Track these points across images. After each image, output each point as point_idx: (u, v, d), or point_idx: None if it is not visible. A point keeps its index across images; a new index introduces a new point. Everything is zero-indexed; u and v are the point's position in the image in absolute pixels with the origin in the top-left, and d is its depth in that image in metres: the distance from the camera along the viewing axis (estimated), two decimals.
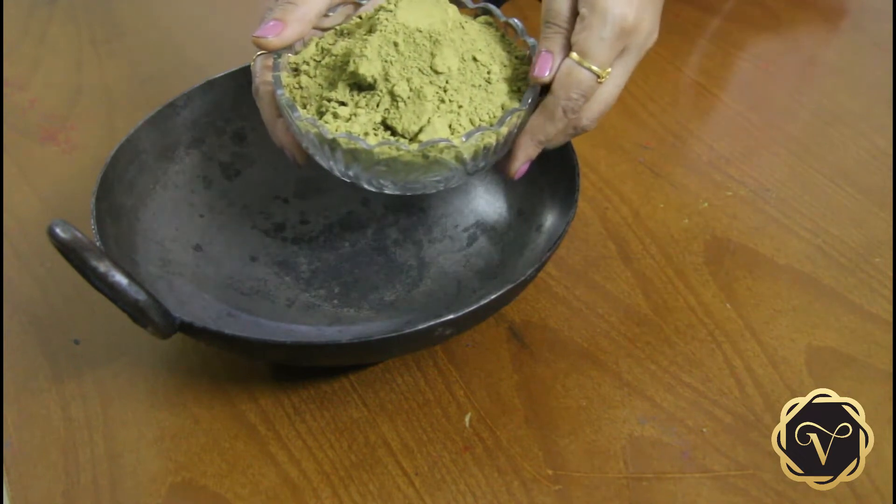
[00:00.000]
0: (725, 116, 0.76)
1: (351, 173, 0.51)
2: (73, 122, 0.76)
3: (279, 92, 0.50)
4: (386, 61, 0.49)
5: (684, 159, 0.71)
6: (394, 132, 0.49)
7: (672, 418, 0.53)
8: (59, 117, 0.77)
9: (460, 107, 0.49)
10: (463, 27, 0.51)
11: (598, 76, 0.49)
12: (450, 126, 0.49)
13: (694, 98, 0.78)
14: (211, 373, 0.56)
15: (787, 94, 0.78)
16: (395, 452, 0.52)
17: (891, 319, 0.58)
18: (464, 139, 0.48)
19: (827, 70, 0.81)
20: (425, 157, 0.48)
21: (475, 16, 0.55)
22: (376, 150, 0.48)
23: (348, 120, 0.49)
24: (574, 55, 0.49)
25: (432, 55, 0.49)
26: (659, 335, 0.57)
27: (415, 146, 0.48)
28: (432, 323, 0.48)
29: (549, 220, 0.59)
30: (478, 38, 0.51)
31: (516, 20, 0.54)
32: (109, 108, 0.78)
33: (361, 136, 0.48)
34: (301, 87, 0.52)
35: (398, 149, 0.48)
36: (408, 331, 0.48)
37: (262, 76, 0.53)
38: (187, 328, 0.49)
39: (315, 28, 0.54)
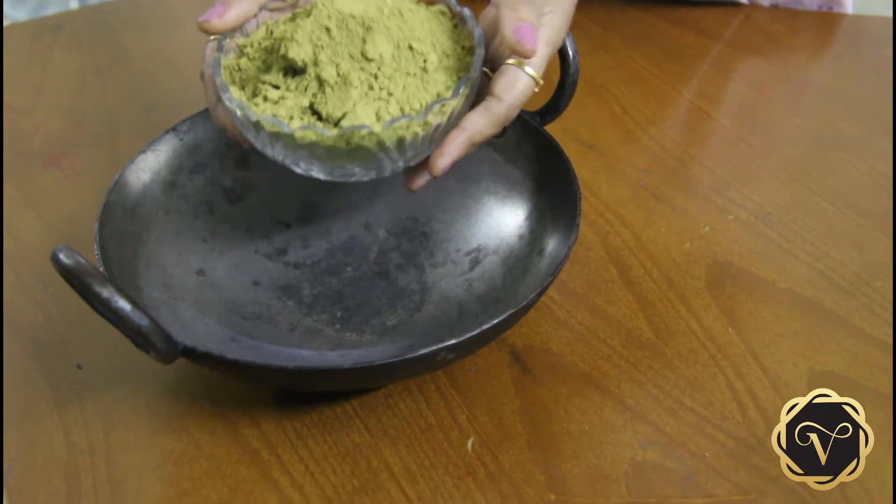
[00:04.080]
0: (726, 140, 0.76)
1: (279, 156, 0.51)
2: (76, 148, 0.77)
3: (216, 73, 0.51)
4: (317, 46, 0.49)
5: (685, 183, 0.71)
6: (320, 117, 0.49)
7: (674, 442, 0.53)
8: (62, 143, 0.78)
9: (391, 94, 0.49)
10: (402, 15, 0.51)
11: (537, 83, 0.51)
12: (377, 113, 0.48)
13: (694, 122, 0.78)
14: (213, 398, 0.56)
15: (786, 118, 0.79)
16: (397, 477, 0.52)
17: (892, 343, 0.58)
18: (385, 126, 0.48)
19: (826, 94, 0.82)
20: (347, 143, 0.48)
21: (429, 3, 0.54)
22: (297, 133, 0.48)
23: (276, 103, 0.49)
24: (524, 65, 0.50)
25: (364, 41, 0.49)
26: (661, 359, 0.57)
27: (335, 132, 0.48)
28: (434, 348, 0.48)
29: (551, 244, 0.59)
30: (419, 27, 0.51)
31: (467, 10, 0.53)
32: (113, 134, 0.78)
33: (286, 120, 0.49)
34: (240, 70, 0.52)
35: (319, 134, 0.47)
36: (410, 356, 0.48)
37: (209, 59, 0.54)
38: (190, 353, 0.49)
39: (272, 9, 0.55)
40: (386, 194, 0.66)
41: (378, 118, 0.48)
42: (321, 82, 0.49)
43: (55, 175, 0.74)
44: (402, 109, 0.49)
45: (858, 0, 0.93)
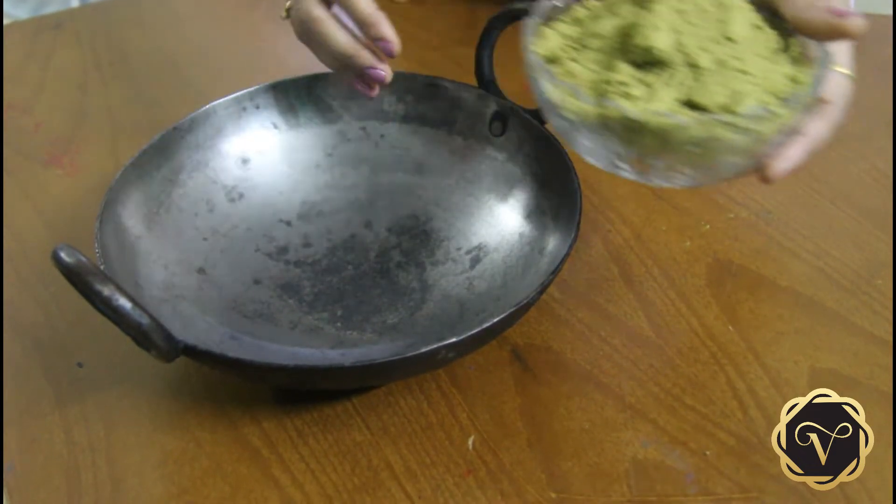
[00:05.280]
0: None
1: (632, 161, 0.46)
2: (77, 146, 0.77)
3: (545, 75, 0.46)
4: (678, 32, 0.45)
5: None
6: (695, 109, 0.44)
7: (675, 441, 0.53)
8: (63, 140, 0.78)
9: (756, 79, 0.45)
10: None
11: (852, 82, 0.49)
12: (759, 98, 0.44)
13: None
14: (214, 396, 0.56)
15: None
16: (397, 476, 0.52)
17: (892, 341, 0.58)
18: (793, 99, 0.43)
19: None
20: (744, 131, 0.43)
21: None
22: (698, 126, 0.42)
23: (645, 100, 0.44)
24: (837, 66, 0.48)
25: (722, 22, 0.45)
26: (661, 357, 0.57)
27: (737, 118, 0.42)
28: (435, 346, 0.48)
29: (552, 242, 0.59)
30: (746, 5, 0.47)
31: None
32: (113, 132, 0.79)
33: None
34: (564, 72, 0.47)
35: (721, 123, 0.42)
36: (410, 354, 0.48)
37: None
38: (190, 352, 0.49)
39: None
40: (386, 193, 0.66)
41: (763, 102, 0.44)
42: (694, 70, 0.44)
43: (56, 173, 0.74)
44: (773, 95, 0.45)
45: None
